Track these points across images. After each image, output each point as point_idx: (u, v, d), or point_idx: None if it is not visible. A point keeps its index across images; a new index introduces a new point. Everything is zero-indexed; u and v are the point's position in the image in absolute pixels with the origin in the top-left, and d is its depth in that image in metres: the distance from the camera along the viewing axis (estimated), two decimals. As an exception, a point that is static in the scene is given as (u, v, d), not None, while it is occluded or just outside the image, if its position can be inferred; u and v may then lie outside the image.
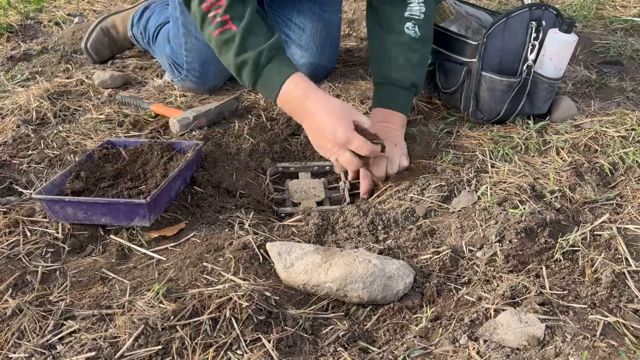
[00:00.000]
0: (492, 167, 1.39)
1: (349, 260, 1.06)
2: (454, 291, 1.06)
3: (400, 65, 1.50)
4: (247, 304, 0.96)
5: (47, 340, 0.95)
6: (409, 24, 1.50)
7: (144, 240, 1.20)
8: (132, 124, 1.69)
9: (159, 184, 1.24)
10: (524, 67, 1.53)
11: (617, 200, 1.27)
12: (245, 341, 0.93)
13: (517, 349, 0.89)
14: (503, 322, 0.93)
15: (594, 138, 1.49)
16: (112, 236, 1.21)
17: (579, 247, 1.12)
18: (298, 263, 1.08)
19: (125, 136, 1.63)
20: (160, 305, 0.98)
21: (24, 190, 1.38)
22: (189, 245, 1.19)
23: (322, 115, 1.30)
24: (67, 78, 2.04)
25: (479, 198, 1.27)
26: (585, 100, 1.75)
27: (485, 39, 1.51)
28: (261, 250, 1.15)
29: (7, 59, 2.23)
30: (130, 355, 0.90)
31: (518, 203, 1.23)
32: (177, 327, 0.94)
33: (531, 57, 1.52)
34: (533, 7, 1.51)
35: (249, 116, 1.71)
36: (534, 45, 1.52)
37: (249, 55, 1.30)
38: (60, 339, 0.95)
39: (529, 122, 1.59)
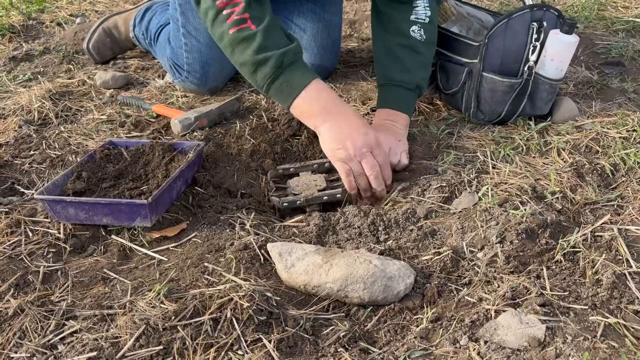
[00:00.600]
0: (493, 168, 1.39)
1: (350, 261, 1.06)
2: (455, 292, 1.06)
3: (405, 68, 1.52)
4: (248, 304, 0.96)
5: (49, 340, 0.95)
6: (414, 27, 1.52)
7: (145, 240, 1.20)
8: (133, 125, 1.69)
9: (161, 185, 1.24)
10: (525, 68, 1.54)
11: (618, 201, 1.27)
12: (246, 341, 0.93)
13: (518, 350, 0.89)
14: (504, 323, 0.93)
15: (595, 139, 1.49)
16: (113, 236, 1.21)
17: (579, 248, 1.12)
18: (299, 264, 1.09)
19: (126, 137, 1.63)
20: (162, 305, 0.99)
21: (25, 191, 1.39)
22: (190, 246, 1.19)
23: (354, 116, 1.32)
24: (69, 78, 2.05)
25: (479, 199, 1.27)
26: (586, 101, 1.75)
27: (486, 40, 1.51)
28: (262, 251, 1.15)
29: (10, 59, 2.24)
30: (131, 355, 0.90)
31: (519, 204, 1.23)
32: (178, 327, 0.94)
33: (532, 58, 1.52)
34: (534, 8, 1.51)
35: (250, 117, 1.71)
36: (535, 46, 1.52)
37: (272, 54, 1.28)
38: (61, 339, 0.95)
39: (530, 123, 1.59)
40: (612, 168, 1.37)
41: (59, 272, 1.13)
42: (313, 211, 1.33)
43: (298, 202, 1.34)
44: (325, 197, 1.35)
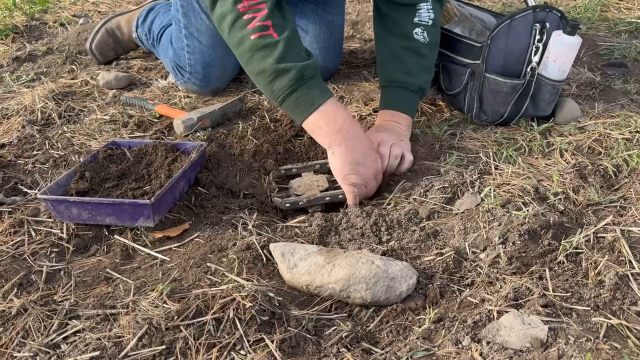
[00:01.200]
0: (495, 168, 1.39)
1: (352, 262, 1.06)
2: (457, 293, 1.06)
3: (408, 70, 1.53)
4: (251, 304, 0.96)
5: (52, 340, 0.95)
6: (418, 30, 1.53)
7: (148, 240, 1.21)
8: (136, 125, 1.69)
9: (163, 185, 1.25)
10: (528, 69, 1.53)
11: (620, 202, 1.27)
12: (248, 341, 0.93)
13: (520, 350, 0.89)
14: (506, 324, 0.93)
15: (598, 140, 1.49)
16: (116, 236, 1.22)
17: (582, 249, 1.12)
18: (301, 264, 1.09)
19: (129, 137, 1.64)
20: (164, 305, 0.99)
21: (28, 191, 1.39)
22: (192, 246, 1.19)
23: (366, 140, 1.33)
24: (72, 79, 2.05)
25: (482, 200, 1.27)
26: (589, 102, 1.75)
27: (489, 41, 1.51)
28: (264, 251, 1.15)
29: (13, 59, 2.25)
30: (134, 354, 0.91)
31: (521, 205, 1.23)
32: (181, 327, 0.94)
33: (535, 59, 1.52)
34: (537, 9, 1.51)
35: (253, 117, 1.71)
36: (537, 47, 1.52)
37: (293, 66, 1.26)
38: (64, 338, 0.96)
39: (533, 124, 1.59)
40: (614, 169, 1.37)
41: (62, 272, 1.13)
42: (315, 212, 1.33)
43: (300, 202, 1.34)
44: (327, 198, 1.35)
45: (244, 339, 0.93)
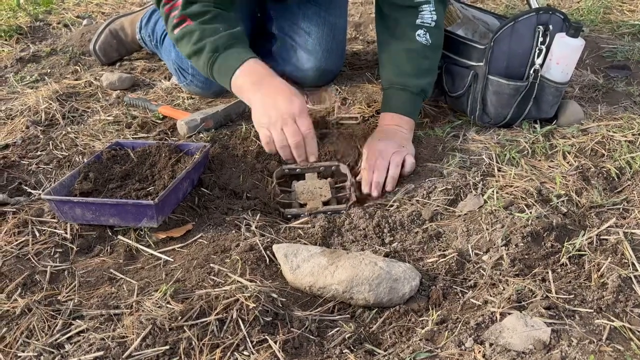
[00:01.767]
0: (498, 170, 1.39)
1: (355, 263, 1.06)
2: (460, 294, 1.06)
3: (411, 72, 1.52)
4: (254, 305, 0.96)
5: (56, 340, 0.96)
6: (420, 32, 1.52)
7: (152, 241, 1.21)
8: (140, 126, 1.70)
9: (167, 186, 1.25)
10: (531, 71, 1.54)
11: (623, 204, 1.27)
12: (251, 342, 0.93)
13: (523, 352, 0.90)
14: (509, 326, 0.93)
15: (601, 142, 1.49)
16: (119, 237, 1.22)
17: (585, 251, 1.12)
18: (304, 265, 1.09)
19: (133, 138, 1.64)
20: (168, 305, 0.99)
21: (32, 191, 1.40)
22: (196, 247, 1.19)
23: (281, 86, 1.34)
24: (76, 80, 2.06)
25: (485, 202, 1.27)
26: (592, 104, 1.75)
27: (492, 43, 1.52)
28: (268, 252, 1.15)
29: (17, 60, 2.25)
30: (137, 355, 0.91)
31: (524, 207, 1.23)
32: (185, 327, 0.94)
33: (538, 61, 1.53)
34: (540, 12, 1.51)
35: (256, 118, 1.71)
36: (541, 50, 1.52)
37: (207, 41, 1.35)
38: (68, 338, 0.96)
39: (536, 126, 1.59)
40: (617, 171, 1.37)
41: (66, 272, 1.14)
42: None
43: (302, 215, 1.34)
44: (329, 213, 1.35)
45: (247, 339, 0.94)
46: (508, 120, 1.59)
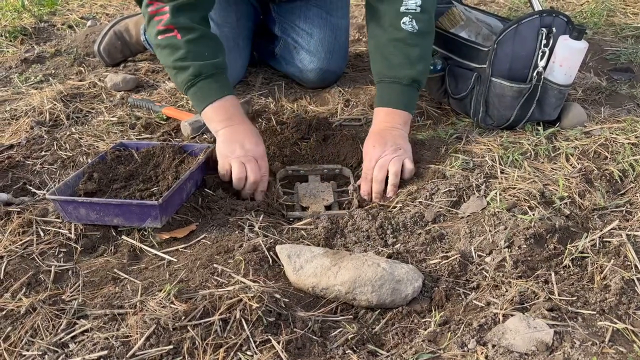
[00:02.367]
0: (501, 172, 1.40)
1: (358, 264, 1.07)
2: (463, 296, 1.06)
3: (399, 62, 1.48)
4: (257, 305, 0.97)
5: (60, 339, 0.96)
6: (405, 19, 1.47)
7: (155, 241, 1.21)
8: (143, 127, 1.70)
9: (171, 186, 1.26)
10: (534, 74, 1.54)
11: (626, 207, 1.27)
12: (255, 342, 0.94)
13: (526, 354, 0.90)
14: (512, 327, 0.93)
15: (604, 145, 1.49)
16: (123, 237, 1.23)
17: (588, 253, 1.12)
18: (307, 266, 1.09)
19: (137, 138, 1.65)
20: (172, 305, 1.00)
21: (37, 191, 1.40)
22: (199, 247, 1.20)
23: (250, 128, 1.44)
24: (80, 80, 2.07)
25: (488, 203, 1.27)
26: (595, 107, 1.75)
27: (495, 45, 1.52)
28: (271, 253, 1.16)
29: (21, 61, 2.26)
30: (141, 354, 0.91)
31: (527, 209, 1.23)
32: (188, 327, 0.95)
33: (541, 63, 1.53)
34: (543, 14, 1.52)
35: (259, 120, 1.72)
36: (544, 52, 1.52)
37: (191, 64, 1.42)
38: (72, 337, 0.97)
39: (539, 128, 1.59)
40: (620, 174, 1.37)
41: (70, 272, 1.14)
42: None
43: (304, 219, 1.34)
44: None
45: (251, 339, 0.94)
46: (511, 122, 1.60)
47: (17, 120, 1.76)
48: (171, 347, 0.92)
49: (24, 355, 0.94)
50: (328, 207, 1.41)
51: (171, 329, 0.94)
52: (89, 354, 0.92)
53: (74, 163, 1.52)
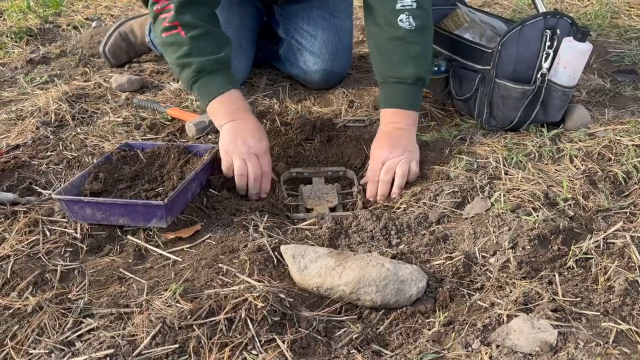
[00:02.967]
0: (505, 174, 1.40)
1: (362, 264, 1.07)
2: (467, 297, 1.07)
3: (400, 61, 1.47)
4: (262, 305, 0.97)
5: (67, 338, 0.97)
6: (402, 16, 1.45)
7: (161, 241, 1.22)
8: (149, 127, 1.71)
9: (176, 186, 1.26)
10: (538, 75, 1.54)
11: (630, 208, 1.27)
12: (260, 341, 0.94)
13: (530, 354, 0.90)
14: (516, 328, 0.94)
15: (608, 146, 1.49)
16: (129, 237, 1.23)
17: (592, 254, 1.12)
18: (312, 266, 1.10)
19: (142, 139, 1.65)
20: (177, 304, 1.00)
21: (43, 191, 1.41)
22: (204, 247, 1.20)
23: (253, 123, 1.43)
24: (85, 81, 2.08)
25: (492, 205, 1.27)
26: (599, 108, 1.75)
27: (499, 47, 1.52)
28: (275, 253, 1.16)
29: (27, 62, 2.27)
30: (147, 353, 0.92)
31: (531, 210, 1.23)
32: (194, 326, 0.95)
33: (545, 65, 1.53)
34: (547, 16, 1.52)
35: (264, 121, 1.73)
36: (548, 54, 1.52)
37: (194, 61, 1.43)
38: (79, 336, 0.97)
39: (543, 129, 1.59)
40: (624, 176, 1.38)
41: (76, 271, 1.15)
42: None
43: (308, 220, 1.35)
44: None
45: (256, 339, 0.94)
46: (515, 123, 1.60)
47: (23, 120, 1.77)
48: (177, 346, 0.93)
49: (31, 354, 0.94)
50: (332, 209, 1.41)
51: (177, 328, 0.95)
52: (95, 352, 0.92)
53: (79, 163, 1.53)
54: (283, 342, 0.94)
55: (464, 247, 1.18)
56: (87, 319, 1.01)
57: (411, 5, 1.46)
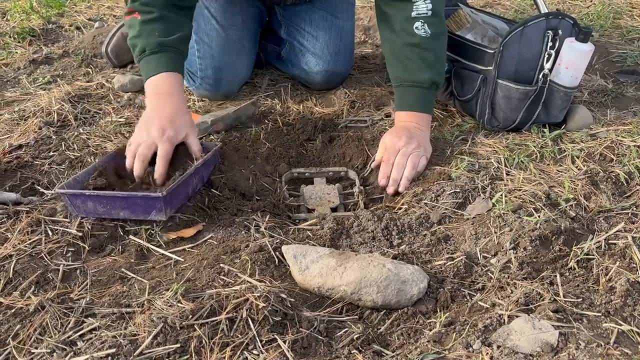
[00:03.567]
0: (507, 174, 1.40)
1: (364, 264, 1.07)
2: (468, 297, 1.07)
3: (416, 68, 1.51)
4: (264, 305, 0.97)
5: (68, 337, 0.97)
6: (417, 24, 1.50)
7: (162, 241, 1.22)
8: (151, 127, 1.71)
9: (176, 180, 1.27)
10: (540, 76, 1.54)
11: (632, 209, 1.27)
12: (261, 341, 0.94)
13: (531, 355, 0.90)
14: (517, 328, 0.94)
15: (610, 147, 1.49)
16: (131, 237, 1.24)
17: (593, 255, 1.12)
18: (313, 266, 1.10)
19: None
20: (179, 304, 1.00)
21: (45, 191, 1.41)
22: (206, 247, 1.21)
23: (173, 108, 1.41)
24: (88, 81, 2.08)
25: (493, 205, 1.27)
26: (601, 109, 1.75)
27: (501, 48, 1.52)
28: (277, 253, 1.16)
29: (30, 62, 2.28)
30: (149, 352, 0.92)
31: (533, 211, 1.23)
32: (195, 326, 0.95)
33: (547, 65, 1.53)
34: (549, 16, 1.52)
35: (266, 121, 1.73)
36: (550, 54, 1.52)
37: (139, 42, 1.47)
38: (81, 335, 0.98)
39: (545, 130, 1.59)
40: (626, 176, 1.37)
41: (78, 271, 1.15)
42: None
43: (309, 220, 1.35)
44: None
45: (257, 338, 0.95)
46: (517, 124, 1.60)
47: (26, 120, 1.77)
48: (178, 345, 0.93)
49: (33, 353, 0.95)
50: (334, 210, 1.42)
51: (178, 328, 0.95)
52: (97, 352, 0.93)
53: (81, 163, 1.53)
54: (284, 342, 0.94)
55: (465, 248, 1.18)
56: (89, 318, 1.01)
57: (426, 13, 1.50)
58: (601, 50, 2.21)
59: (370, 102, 1.86)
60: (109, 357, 0.92)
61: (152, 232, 1.24)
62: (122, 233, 1.25)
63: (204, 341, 0.93)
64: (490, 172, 1.40)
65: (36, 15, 2.74)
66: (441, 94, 1.77)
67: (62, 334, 0.98)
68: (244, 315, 0.97)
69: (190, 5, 1.56)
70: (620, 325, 0.95)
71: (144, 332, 0.95)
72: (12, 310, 1.03)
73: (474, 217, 1.26)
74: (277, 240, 1.20)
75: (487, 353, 0.91)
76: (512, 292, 1.05)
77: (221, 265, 1.13)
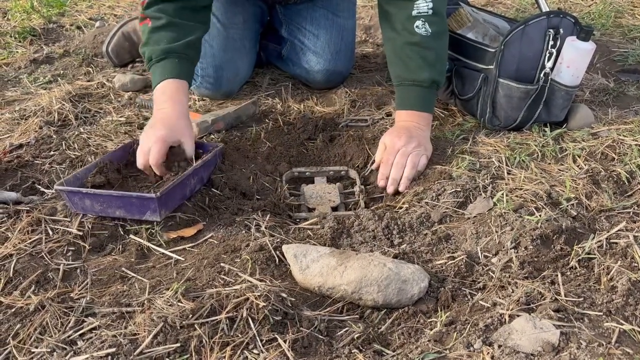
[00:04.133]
0: (508, 173, 1.39)
1: (364, 264, 1.07)
2: (469, 296, 1.07)
3: (416, 66, 1.51)
4: (264, 304, 0.97)
5: (69, 336, 0.97)
6: (418, 23, 1.49)
7: (163, 240, 1.22)
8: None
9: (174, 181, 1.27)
10: (541, 75, 1.54)
11: (634, 208, 1.27)
12: (261, 341, 0.94)
13: (532, 354, 0.90)
14: (518, 328, 0.93)
15: (611, 146, 1.49)
16: (131, 236, 1.24)
17: (594, 254, 1.12)
18: (314, 265, 1.10)
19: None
20: (179, 304, 1.00)
21: (46, 190, 1.41)
22: (206, 246, 1.21)
23: (171, 113, 1.43)
24: (88, 81, 2.08)
25: (494, 204, 1.27)
26: (602, 108, 1.75)
27: (502, 46, 1.52)
28: (277, 252, 1.16)
29: (30, 61, 2.28)
30: (149, 352, 0.92)
31: (534, 210, 1.23)
32: (195, 325, 0.95)
33: (548, 64, 1.53)
34: (551, 15, 1.51)
35: (266, 120, 1.73)
36: (551, 53, 1.52)
37: (146, 50, 1.50)
38: (81, 335, 0.97)
39: (546, 129, 1.59)
40: (627, 175, 1.37)
41: (78, 270, 1.15)
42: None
43: (310, 220, 1.35)
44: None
45: (257, 338, 0.94)
46: (518, 123, 1.60)
47: (26, 120, 1.77)
48: (178, 345, 0.93)
49: (33, 352, 0.95)
50: (334, 209, 1.41)
51: (178, 327, 0.95)
52: (97, 351, 0.92)
53: (82, 163, 1.53)
54: (284, 341, 0.94)
55: (466, 247, 1.18)
56: (89, 317, 1.01)
57: (427, 12, 1.50)
58: (602, 49, 2.21)
59: (371, 101, 1.85)
60: (109, 357, 0.92)
61: (153, 231, 1.24)
62: (122, 232, 1.25)
63: (204, 340, 0.93)
64: (491, 171, 1.40)
65: (37, 14, 2.74)
66: (442, 93, 1.77)
67: (62, 333, 0.98)
68: (244, 315, 0.97)
69: (206, 4, 1.57)
70: (622, 324, 0.95)
71: (144, 332, 0.95)
72: (12, 310, 1.03)
73: (474, 217, 1.26)
74: (278, 240, 1.20)
75: (488, 352, 0.91)
76: (513, 292, 1.04)
77: (221, 264, 1.13)
